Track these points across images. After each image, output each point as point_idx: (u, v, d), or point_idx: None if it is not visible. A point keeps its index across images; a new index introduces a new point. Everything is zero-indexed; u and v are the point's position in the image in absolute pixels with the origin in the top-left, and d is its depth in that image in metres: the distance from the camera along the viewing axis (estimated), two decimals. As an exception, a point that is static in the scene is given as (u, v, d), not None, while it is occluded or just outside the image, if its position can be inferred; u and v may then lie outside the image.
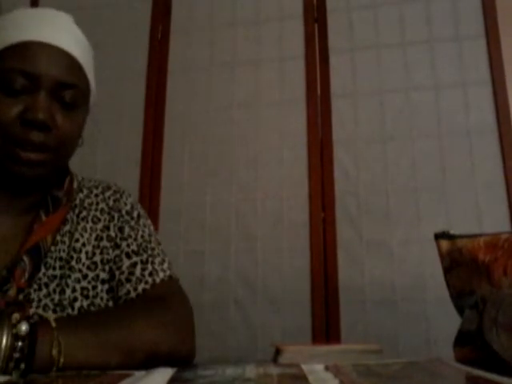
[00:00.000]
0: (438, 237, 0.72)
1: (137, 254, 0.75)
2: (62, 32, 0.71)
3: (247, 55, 1.76)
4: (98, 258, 0.74)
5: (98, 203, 0.80)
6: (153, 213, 1.65)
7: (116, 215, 0.79)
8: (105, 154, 1.75)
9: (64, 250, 0.73)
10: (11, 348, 0.51)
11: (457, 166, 1.53)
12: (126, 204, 0.81)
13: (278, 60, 1.74)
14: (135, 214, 0.81)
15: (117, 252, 0.75)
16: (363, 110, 1.64)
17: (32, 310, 0.65)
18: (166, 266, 0.76)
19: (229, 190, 1.65)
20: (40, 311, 0.66)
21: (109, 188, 0.83)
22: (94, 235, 0.76)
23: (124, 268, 0.73)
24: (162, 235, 1.61)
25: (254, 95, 1.72)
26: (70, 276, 0.71)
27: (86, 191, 0.81)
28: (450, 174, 1.52)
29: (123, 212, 0.80)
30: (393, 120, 1.61)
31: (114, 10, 1.90)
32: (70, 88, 0.69)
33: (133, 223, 0.79)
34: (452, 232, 0.71)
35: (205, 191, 1.66)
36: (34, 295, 0.67)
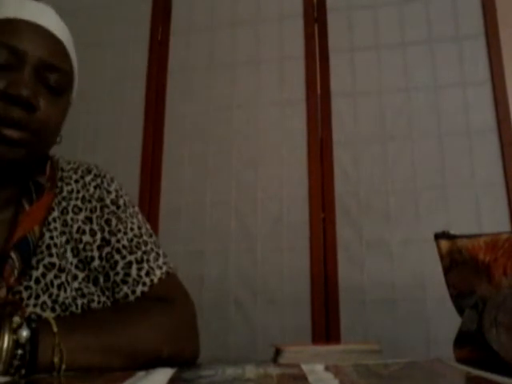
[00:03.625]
0: (438, 237, 0.72)
1: (130, 252, 0.71)
2: (46, 13, 0.68)
3: (247, 55, 1.76)
4: (82, 256, 0.70)
5: (78, 191, 0.74)
6: (153, 213, 1.65)
7: (98, 206, 0.73)
8: (105, 153, 1.74)
9: (57, 237, 0.69)
10: (12, 355, 0.50)
11: (457, 165, 1.53)
12: (109, 192, 0.75)
13: (278, 60, 1.74)
14: (121, 203, 0.75)
15: (108, 249, 0.71)
16: (363, 110, 1.64)
17: (29, 310, 0.62)
18: (161, 261, 0.73)
19: (229, 190, 1.65)
20: (38, 310, 0.63)
21: (89, 172, 0.77)
22: (75, 227, 0.71)
23: (118, 269, 0.70)
24: (162, 235, 1.61)
25: (253, 95, 1.72)
26: (62, 275, 0.67)
27: (65, 174, 0.75)
28: (450, 174, 1.52)
29: (107, 201, 0.74)
30: (393, 120, 1.61)
31: (114, 10, 1.90)
32: (54, 71, 0.66)
33: (120, 214, 0.74)
34: (452, 232, 0.71)
35: (205, 191, 1.66)
36: (25, 293, 0.63)
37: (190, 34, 1.83)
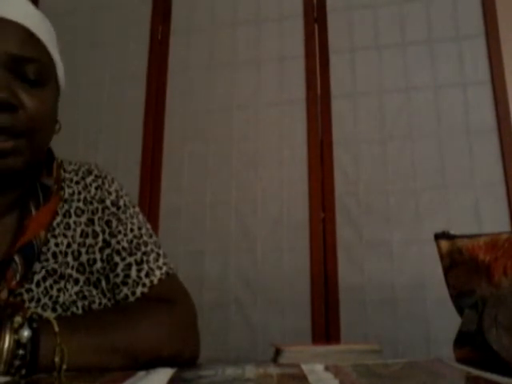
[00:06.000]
0: (438, 237, 0.72)
1: (130, 253, 0.70)
2: (12, 5, 0.63)
3: (247, 55, 1.77)
4: (84, 259, 0.69)
5: (79, 192, 0.73)
6: (153, 213, 1.66)
7: (100, 207, 0.73)
8: (105, 153, 1.75)
9: (62, 243, 0.68)
10: (13, 355, 0.50)
11: (457, 165, 1.53)
12: (109, 193, 0.74)
13: (278, 60, 1.74)
14: (121, 204, 0.74)
15: (108, 251, 0.70)
16: (363, 110, 1.64)
17: (31, 310, 0.61)
18: (161, 261, 0.72)
19: (229, 190, 1.65)
20: (39, 310, 0.63)
21: (90, 173, 0.75)
22: (78, 230, 0.70)
23: (118, 270, 0.69)
24: (162, 235, 1.61)
25: (254, 95, 1.72)
26: (66, 279, 0.67)
27: (67, 176, 0.74)
28: (450, 174, 1.52)
29: (108, 203, 0.73)
30: (393, 120, 1.61)
31: (114, 10, 1.90)
32: (29, 62, 0.62)
33: (120, 215, 0.73)
34: (452, 232, 0.71)
35: (205, 191, 1.66)
36: (27, 296, 0.63)
37: (190, 34, 1.83)
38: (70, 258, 0.69)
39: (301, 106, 1.67)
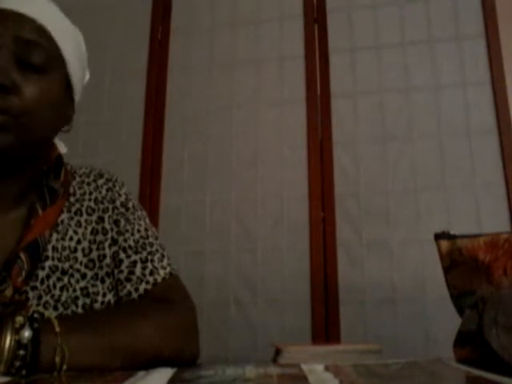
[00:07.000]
0: (438, 237, 0.72)
1: (136, 251, 0.73)
2: (32, 4, 0.66)
3: (247, 55, 1.77)
4: (95, 255, 0.71)
5: (91, 193, 0.76)
6: (153, 213, 1.65)
7: (110, 206, 0.76)
8: (105, 154, 1.75)
9: (63, 239, 0.70)
10: (13, 355, 0.50)
11: (457, 166, 1.53)
12: (120, 195, 0.78)
13: (278, 60, 1.74)
14: (130, 205, 0.78)
15: (115, 248, 0.73)
16: (363, 110, 1.64)
17: (32, 308, 0.61)
18: (165, 262, 0.74)
19: (229, 189, 1.65)
20: (41, 308, 0.63)
21: (101, 176, 0.79)
22: (89, 228, 0.73)
23: (123, 267, 0.71)
24: (162, 235, 1.60)
25: (253, 95, 1.72)
26: (70, 274, 0.68)
27: (78, 179, 0.77)
28: (450, 174, 1.52)
29: (117, 203, 0.77)
30: (393, 120, 1.61)
31: (114, 10, 1.90)
32: (33, 47, 0.64)
33: (128, 215, 0.76)
34: (452, 232, 0.71)
35: (205, 191, 1.66)
36: (32, 293, 0.64)
37: (190, 34, 1.83)
38: (79, 254, 0.70)
39: (301, 105, 1.67)
